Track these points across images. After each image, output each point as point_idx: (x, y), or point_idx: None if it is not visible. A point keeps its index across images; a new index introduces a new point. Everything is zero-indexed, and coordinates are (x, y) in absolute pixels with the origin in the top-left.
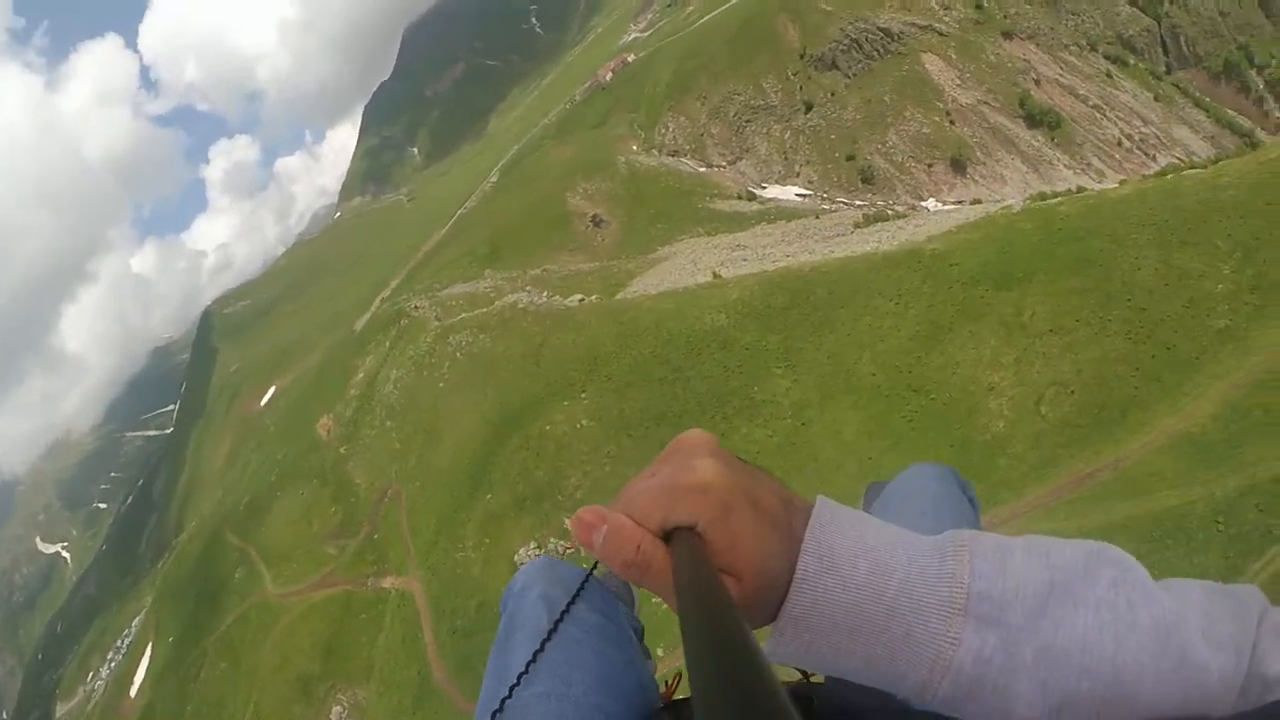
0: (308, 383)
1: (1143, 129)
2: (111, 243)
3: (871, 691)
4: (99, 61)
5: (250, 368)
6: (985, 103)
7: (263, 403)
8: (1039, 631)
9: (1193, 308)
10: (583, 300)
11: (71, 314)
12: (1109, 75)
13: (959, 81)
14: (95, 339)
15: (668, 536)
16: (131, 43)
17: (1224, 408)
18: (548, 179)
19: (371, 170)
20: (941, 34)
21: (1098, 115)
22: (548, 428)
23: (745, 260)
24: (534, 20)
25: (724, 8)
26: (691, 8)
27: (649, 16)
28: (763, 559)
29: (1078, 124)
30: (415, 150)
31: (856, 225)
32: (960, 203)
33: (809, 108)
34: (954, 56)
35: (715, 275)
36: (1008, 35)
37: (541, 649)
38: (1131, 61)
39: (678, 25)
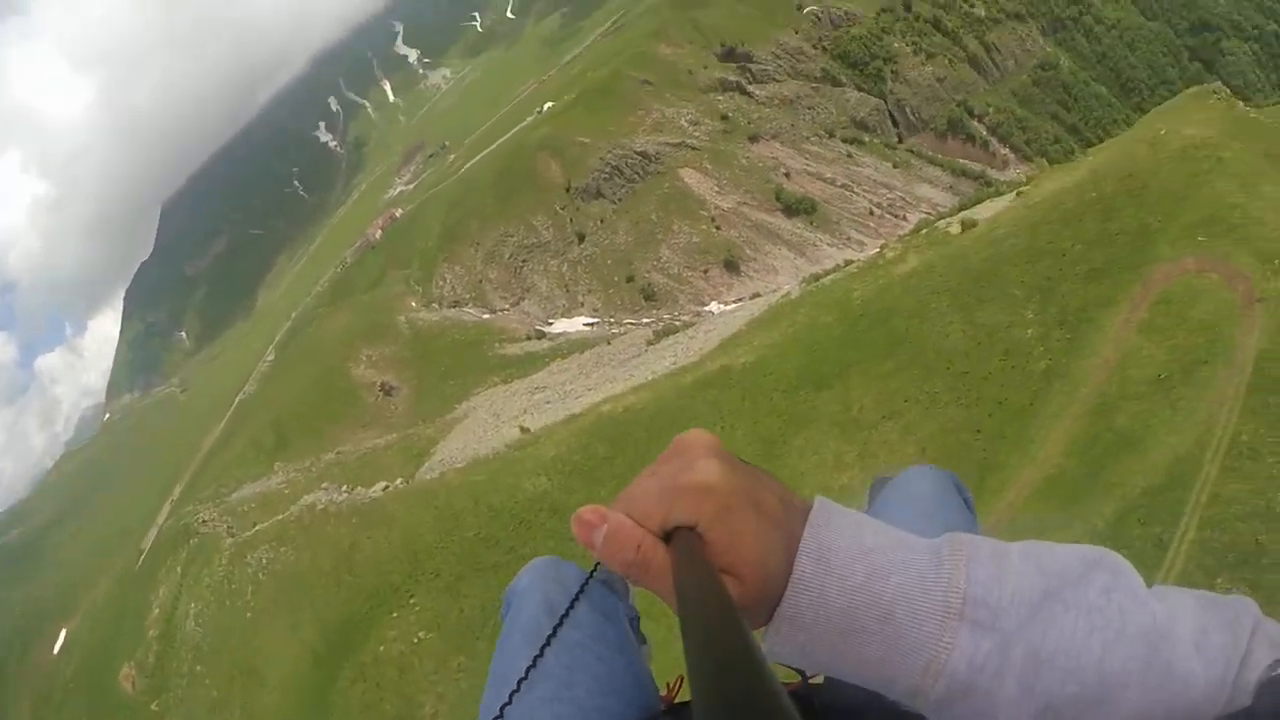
0: (100, 624)
1: (888, 195)
2: None
3: (870, 692)
4: None
5: (35, 608)
6: (745, 203)
7: (55, 650)
8: (1029, 635)
9: (1011, 358)
10: (388, 488)
11: None
12: (849, 155)
13: (718, 189)
14: None
15: (668, 537)
16: None
17: (1072, 443)
18: (328, 351)
19: (139, 361)
20: (694, 148)
21: (847, 193)
22: (381, 649)
23: (549, 403)
24: (296, 184)
25: (485, 153)
26: (454, 156)
27: (412, 169)
28: (763, 559)
29: (831, 204)
30: (183, 334)
31: (649, 343)
32: (740, 300)
33: (581, 238)
34: (709, 167)
35: (522, 429)
36: (754, 139)
37: (541, 654)
38: (867, 139)
39: (442, 175)
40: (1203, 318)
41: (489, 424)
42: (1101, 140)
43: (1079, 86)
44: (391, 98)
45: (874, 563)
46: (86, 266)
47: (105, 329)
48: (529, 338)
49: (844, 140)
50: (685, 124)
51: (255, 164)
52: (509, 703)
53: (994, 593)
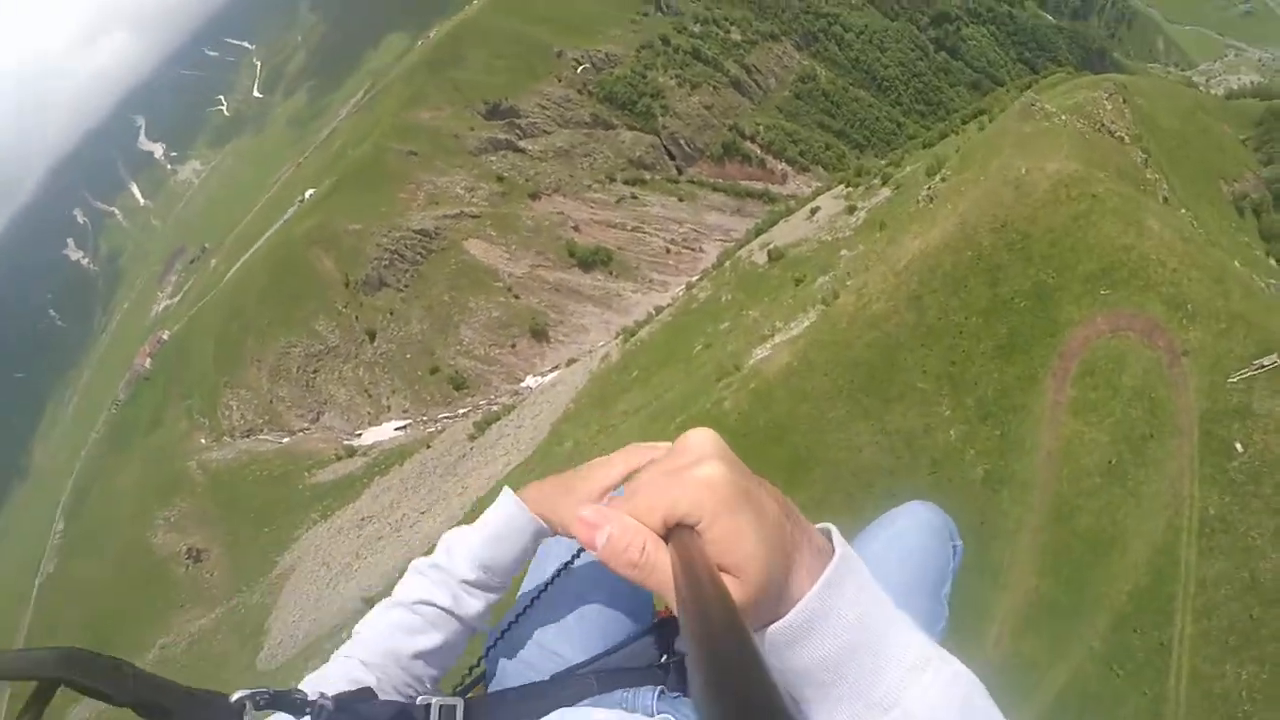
0: None
1: (680, 230)
2: None
3: None
4: None
5: None
6: (539, 265)
7: None
8: None
9: (942, 469)
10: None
11: None
12: (634, 197)
13: (508, 255)
14: None
15: (667, 535)
16: None
17: (1041, 559)
18: (122, 522)
19: None
20: (475, 216)
21: (639, 235)
22: None
23: (380, 537)
24: (53, 313)
25: (250, 253)
26: (215, 260)
27: (173, 279)
28: (765, 561)
29: (626, 250)
30: None
31: (471, 437)
32: (556, 368)
33: (373, 336)
34: (494, 234)
35: (363, 599)
36: (535, 196)
37: (553, 581)
38: (649, 177)
39: (207, 283)
40: (1133, 384)
41: (321, 578)
42: (869, 140)
43: (839, 93)
44: (141, 200)
45: (857, 640)
46: None
47: None
48: (339, 457)
49: (626, 182)
50: (461, 192)
51: (4, 298)
52: (515, 620)
53: None
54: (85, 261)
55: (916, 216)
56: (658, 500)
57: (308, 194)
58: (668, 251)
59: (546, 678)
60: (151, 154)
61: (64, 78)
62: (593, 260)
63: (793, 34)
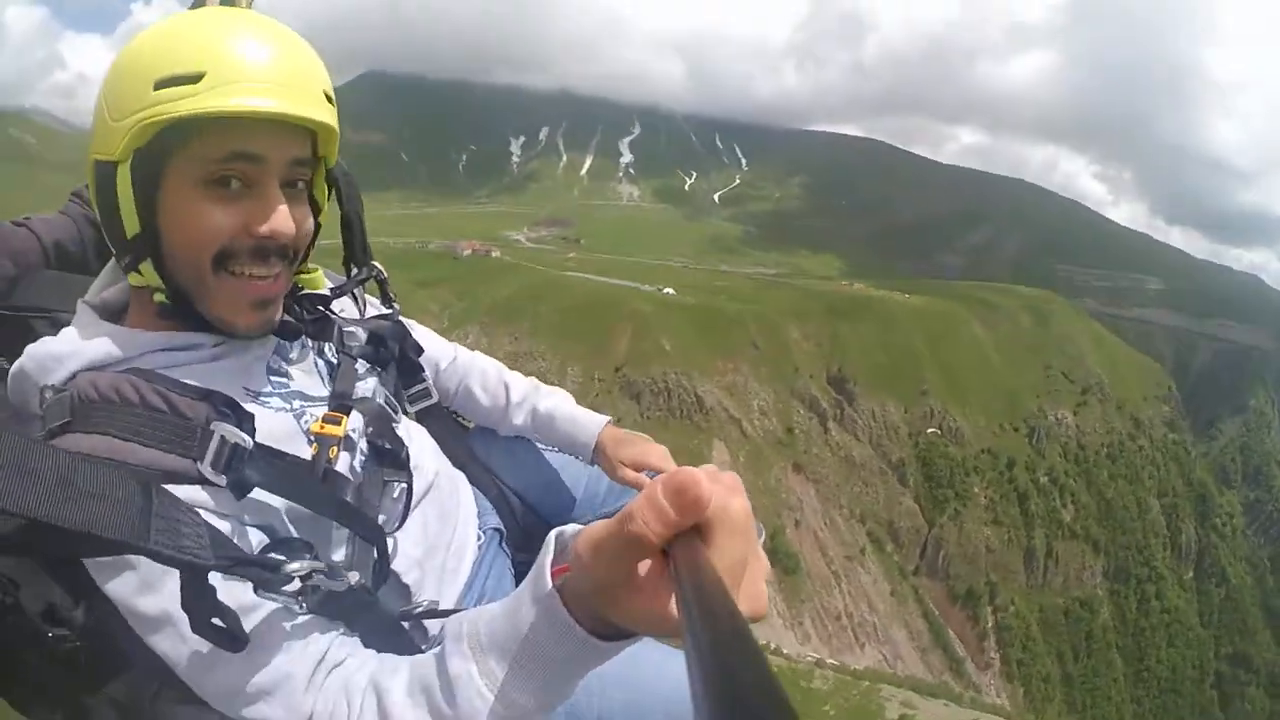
0: None
1: (867, 615)
2: None
3: None
4: None
5: None
6: None
7: None
8: None
9: None
10: None
11: None
12: (863, 551)
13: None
14: None
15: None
16: None
17: None
18: None
19: None
20: (744, 434)
21: (834, 582)
22: None
23: None
24: (464, 156)
25: (592, 276)
26: (572, 255)
27: (544, 233)
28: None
29: (811, 580)
30: None
31: None
32: None
33: None
34: (741, 458)
35: None
36: (798, 469)
37: None
38: (889, 549)
39: (550, 260)
40: None
41: None
42: None
43: None
44: (584, 172)
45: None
46: None
47: None
48: None
49: (868, 534)
50: (755, 406)
51: (450, 114)
52: None
53: None
54: (515, 157)
55: None
56: (712, 496)
57: (666, 289)
58: (838, 618)
59: None
60: (621, 155)
61: (627, 51)
62: (780, 558)
63: None
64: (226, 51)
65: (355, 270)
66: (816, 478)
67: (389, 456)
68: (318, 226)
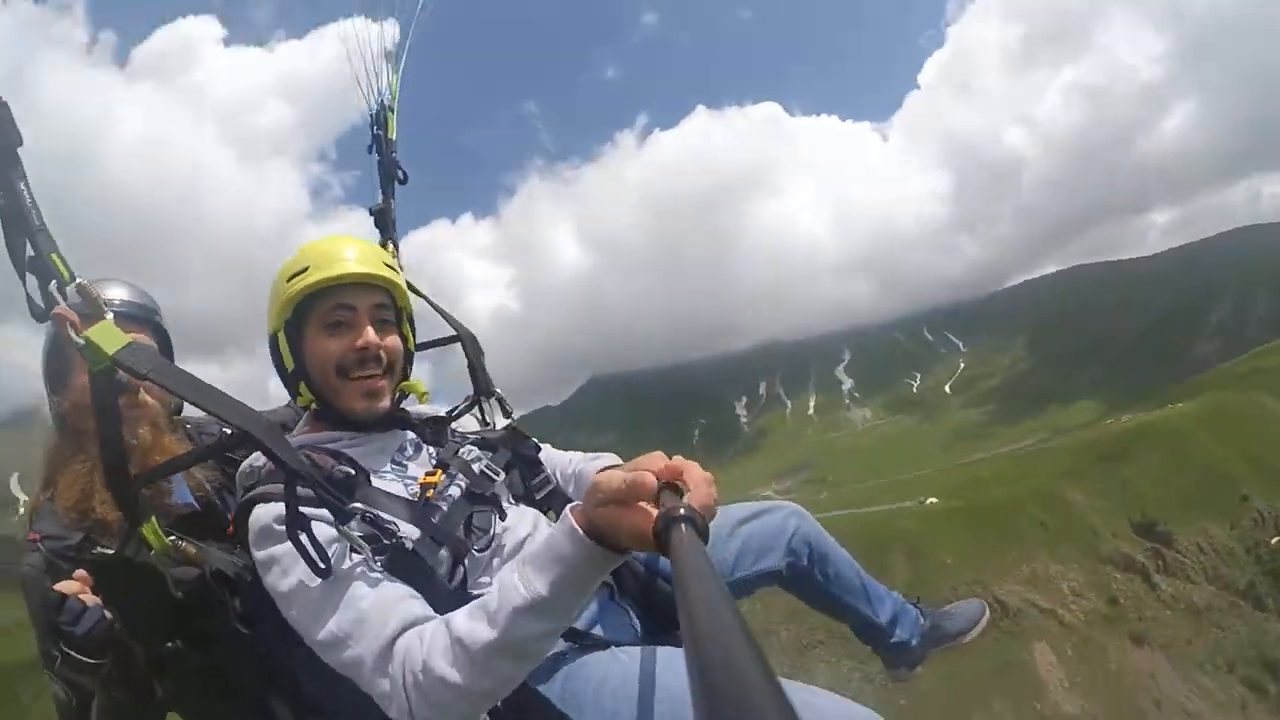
0: None
1: None
2: (259, 355)
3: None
4: (359, 227)
5: None
6: (1092, 716)
7: None
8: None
9: None
10: None
11: (192, 369)
12: (1244, 707)
13: (1068, 684)
14: None
15: (663, 527)
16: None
17: None
18: None
19: None
20: (1063, 624)
21: None
22: None
23: None
24: (695, 432)
25: (849, 512)
26: (824, 495)
27: (789, 482)
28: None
29: None
30: None
31: None
32: None
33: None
34: (1070, 654)
35: None
36: (1138, 641)
37: None
38: (1273, 691)
39: (803, 506)
40: None
41: None
42: None
43: None
44: (811, 410)
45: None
46: (509, 376)
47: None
48: None
49: (1243, 681)
50: (1066, 590)
51: (675, 395)
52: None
53: None
54: (743, 420)
55: None
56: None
57: (928, 500)
58: None
59: None
60: (841, 383)
61: (812, 287)
62: None
63: None
64: (318, 250)
65: (474, 397)
66: (1163, 643)
67: (478, 499)
68: (409, 351)
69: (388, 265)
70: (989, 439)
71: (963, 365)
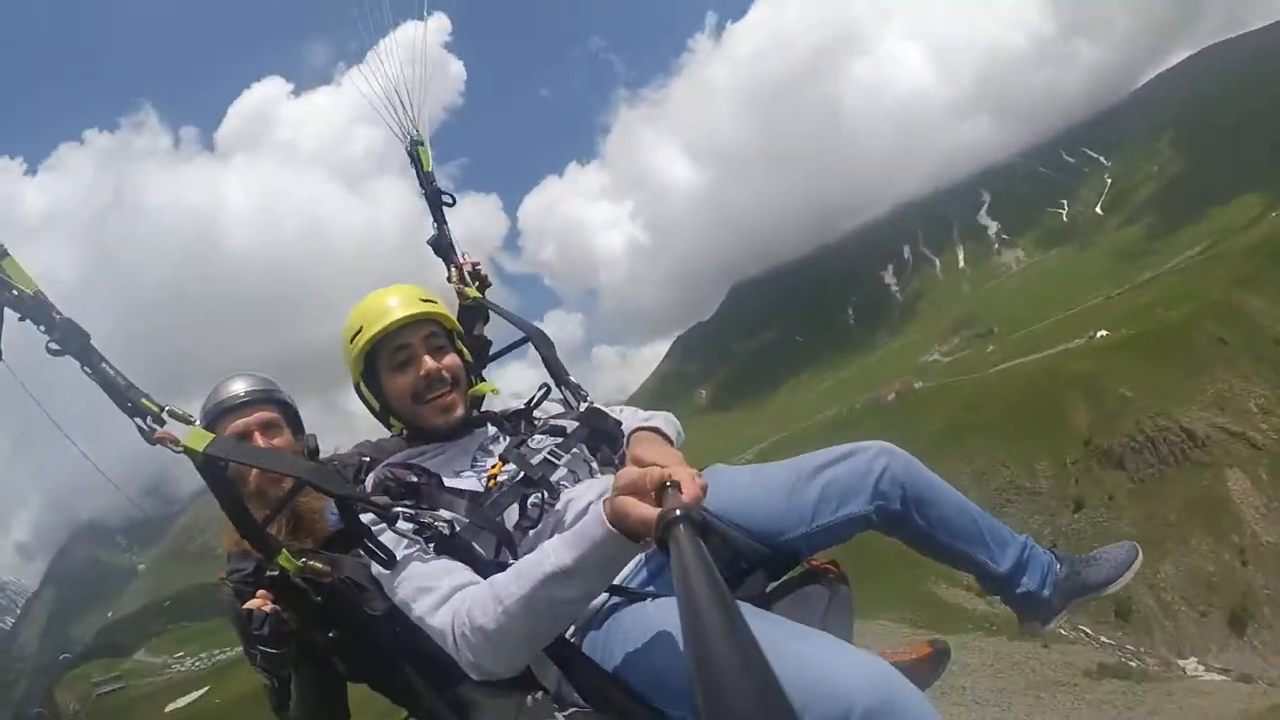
0: None
1: None
2: None
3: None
4: (478, 211)
5: None
6: None
7: None
8: None
9: None
10: None
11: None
12: None
13: (1264, 511)
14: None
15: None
16: (510, 209)
17: None
18: None
19: (658, 391)
20: (1256, 446)
21: None
22: None
23: None
24: (850, 311)
25: (1020, 360)
26: (992, 348)
27: (955, 341)
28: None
29: None
30: (702, 393)
31: (1087, 674)
32: (1227, 672)
33: (1078, 506)
34: (1264, 478)
35: None
36: None
37: None
38: None
39: (973, 364)
40: None
41: None
42: None
43: None
44: (961, 264)
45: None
46: (655, 303)
47: (655, 354)
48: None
49: None
50: (1254, 409)
51: (820, 280)
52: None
53: None
54: (895, 289)
55: None
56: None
57: (1098, 334)
58: None
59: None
60: (986, 229)
61: (933, 137)
62: None
63: None
64: (365, 309)
65: (552, 386)
66: None
67: (530, 483)
68: (468, 363)
69: (425, 300)
70: (1153, 255)
71: (1110, 181)
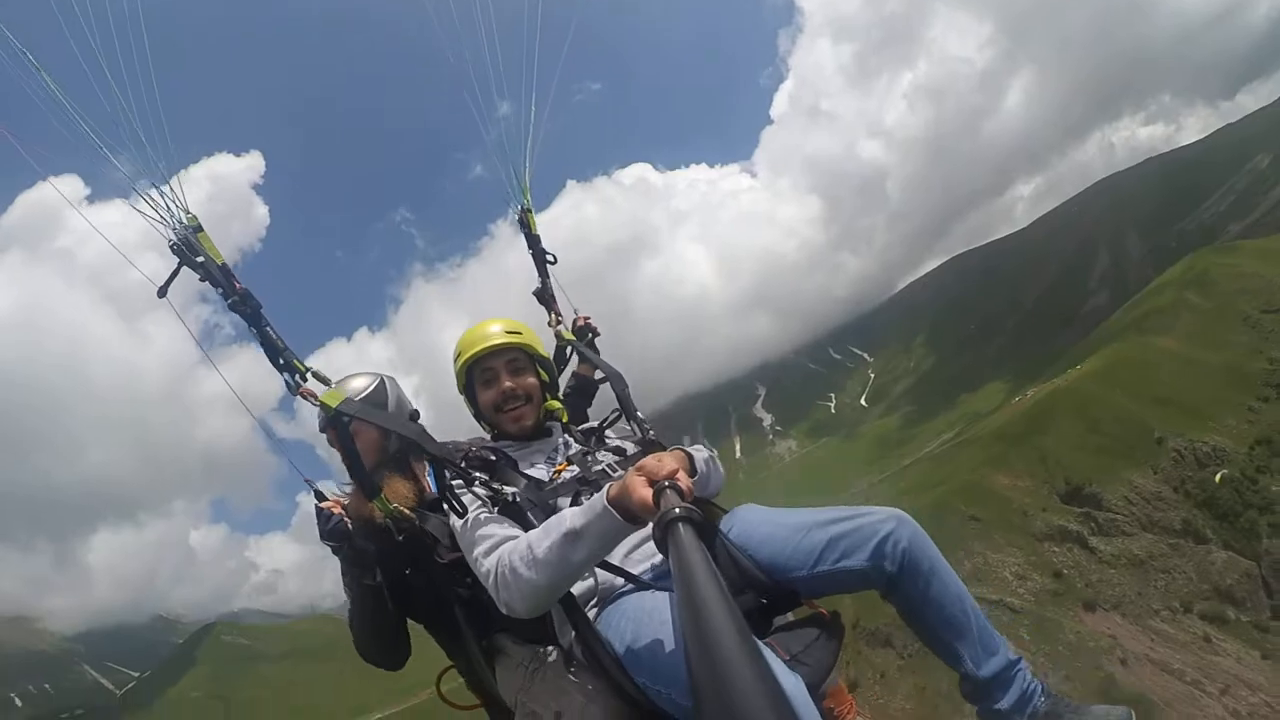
0: None
1: (1250, 699)
2: (172, 511)
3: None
4: (257, 369)
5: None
6: (1061, 691)
7: None
8: None
9: None
10: None
11: (105, 537)
12: (1207, 639)
13: (1033, 669)
14: (114, 568)
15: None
16: None
17: None
18: None
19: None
20: (1014, 610)
21: (1195, 692)
22: None
23: None
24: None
25: None
26: None
27: None
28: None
29: (1173, 708)
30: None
31: None
32: None
33: (852, 687)
34: (1026, 638)
35: None
36: (1089, 607)
37: None
38: (1232, 616)
39: None
40: None
41: None
42: None
43: None
44: (738, 454)
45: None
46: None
47: None
48: None
49: (1202, 617)
50: (1009, 576)
51: None
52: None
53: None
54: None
55: None
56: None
57: None
58: None
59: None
60: (761, 421)
61: (715, 334)
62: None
63: None
64: (468, 337)
65: (616, 414)
66: (1114, 602)
67: (585, 482)
68: (544, 384)
69: (511, 332)
70: (911, 442)
71: (873, 375)
